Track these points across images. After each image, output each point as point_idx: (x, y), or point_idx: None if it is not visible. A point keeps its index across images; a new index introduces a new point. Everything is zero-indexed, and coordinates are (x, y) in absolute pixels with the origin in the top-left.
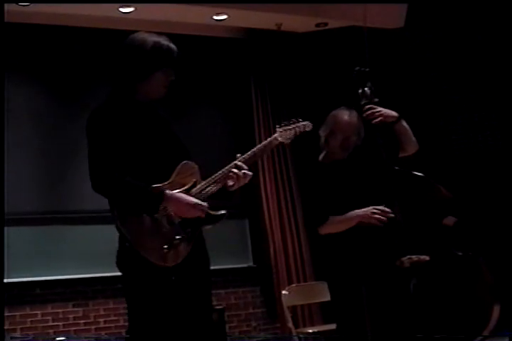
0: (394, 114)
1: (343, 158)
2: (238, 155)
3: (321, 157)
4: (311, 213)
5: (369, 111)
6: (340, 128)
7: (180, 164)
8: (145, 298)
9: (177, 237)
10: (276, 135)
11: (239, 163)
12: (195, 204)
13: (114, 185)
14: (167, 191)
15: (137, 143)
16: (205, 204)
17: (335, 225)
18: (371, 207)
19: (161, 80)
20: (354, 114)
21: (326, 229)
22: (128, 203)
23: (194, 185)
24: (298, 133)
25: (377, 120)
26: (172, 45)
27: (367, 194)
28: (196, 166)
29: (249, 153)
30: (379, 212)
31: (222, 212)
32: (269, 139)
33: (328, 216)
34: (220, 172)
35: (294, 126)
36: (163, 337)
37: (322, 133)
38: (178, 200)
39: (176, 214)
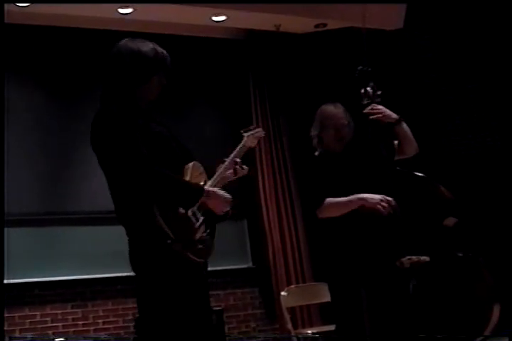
0: (394, 115)
1: (339, 151)
2: (225, 159)
3: (316, 154)
4: (308, 197)
5: (370, 107)
6: (329, 121)
7: (191, 164)
8: (181, 296)
9: (204, 234)
10: (245, 139)
11: (238, 160)
12: (229, 198)
13: (156, 178)
14: (206, 186)
15: (149, 143)
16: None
17: (335, 206)
18: (381, 195)
19: (156, 84)
20: (339, 105)
21: (325, 211)
22: (168, 196)
23: (205, 184)
24: (259, 138)
25: (374, 116)
26: (164, 51)
27: (365, 185)
28: (202, 167)
29: (230, 157)
30: (386, 201)
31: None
32: (241, 144)
33: (326, 197)
34: (218, 174)
35: (255, 130)
36: (171, 336)
37: (314, 132)
38: (217, 195)
39: (212, 208)
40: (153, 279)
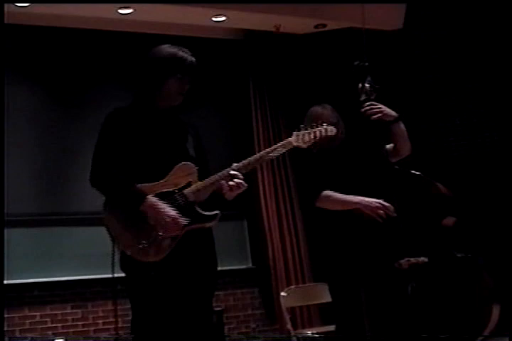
0: (393, 113)
1: (333, 147)
2: (235, 164)
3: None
4: (305, 187)
5: (368, 107)
6: (316, 120)
7: (178, 165)
8: (133, 295)
9: (160, 233)
10: (290, 139)
11: (232, 172)
12: (171, 220)
13: (105, 179)
14: (150, 196)
15: (141, 144)
16: (183, 222)
17: (332, 201)
18: (377, 200)
19: (174, 87)
20: (326, 106)
21: (322, 202)
22: (114, 199)
23: (188, 185)
24: (318, 138)
25: (375, 116)
26: (186, 55)
27: (361, 181)
28: (195, 168)
29: (253, 157)
30: (382, 207)
31: (215, 212)
32: (281, 143)
33: (324, 189)
34: (215, 175)
35: (313, 129)
36: (160, 335)
37: None
38: (155, 209)
39: (150, 221)
40: (125, 278)
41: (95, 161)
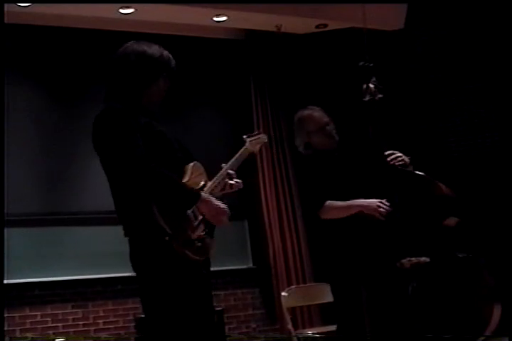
0: (407, 159)
1: (332, 148)
2: (223, 164)
3: (307, 154)
4: (308, 198)
5: (393, 156)
6: (310, 123)
7: (192, 164)
8: (181, 293)
9: (202, 233)
10: (246, 145)
11: (231, 172)
12: (226, 211)
13: (153, 177)
14: (202, 193)
15: (150, 143)
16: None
17: (335, 209)
18: (377, 200)
19: (162, 86)
20: (313, 107)
21: (325, 214)
22: (164, 196)
23: (205, 185)
24: (262, 143)
25: (400, 163)
26: (167, 52)
27: (362, 184)
28: (202, 167)
29: (231, 162)
30: (384, 206)
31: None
32: (241, 150)
33: (326, 199)
34: (219, 175)
35: (258, 136)
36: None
37: (300, 140)
38: (211, 204)
39: (205, 216)
40: (154, 278)
41: (131, 158)
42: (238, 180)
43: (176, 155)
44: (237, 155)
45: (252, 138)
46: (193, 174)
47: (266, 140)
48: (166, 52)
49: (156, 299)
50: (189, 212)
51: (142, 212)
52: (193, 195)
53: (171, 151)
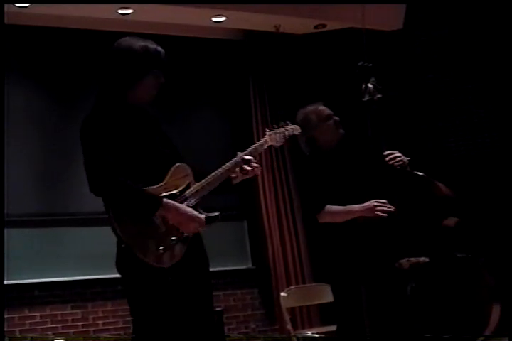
0: (406, 160)
1: (337, 141)
2: (239, 153)
3: (308, 154)
4: (308, 201)
5: (392, 156)
6: (314, 115)
7: (174, 166)
8: (145, 299)
9: (172, 238)
10: (266, 138)
11: (248, 157)
12: (195, 217)
13: (113, 187)
14: (165, 199)
15: (131, 145)
16: (202, 217)
17: (334, 214)
18: (372, 201)
19: (151, 83)
20: (314, 103)
21: (324, 218)
22: (125, 206)
23: (188, 187)
24: (287, 137)
25: (399, 163)
26: (159, 48)
27: (362, 184)
28: (189, 168)
29: (246, 151)
30: (381, 204)
31: (216, 213)
32: (258, 142)
33: (326, 203)
34: (221, 169)
35: (283, 129)
36: (166, 338)
37: (302, 137)
38: (177, 211)
39: (173, 223)
40: (123, 281)
41: (94, 168)
42: (257, 165)
43: (159, 158)
44: (252, 147)
45: (274, 131)
46: (172, 177)
47: (292, 133)
48: (153, 47)
49: (129, 302)
50: (155, 219)
51: (108, 220)
52: (154, 203)
53: (154, 154)
